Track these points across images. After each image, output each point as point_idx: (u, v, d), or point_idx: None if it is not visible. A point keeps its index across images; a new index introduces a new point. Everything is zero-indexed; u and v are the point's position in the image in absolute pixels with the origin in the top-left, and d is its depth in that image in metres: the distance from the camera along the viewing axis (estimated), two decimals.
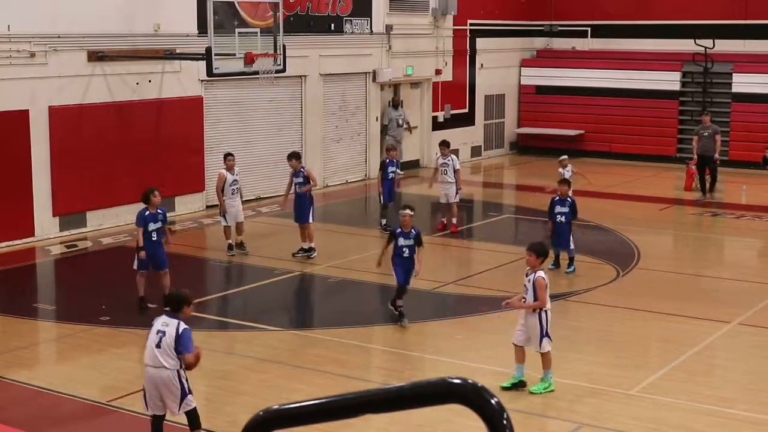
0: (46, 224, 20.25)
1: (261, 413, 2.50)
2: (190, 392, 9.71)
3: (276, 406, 2.51)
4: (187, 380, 9.71)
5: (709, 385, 12.39)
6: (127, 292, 16.56)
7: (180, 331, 9.46)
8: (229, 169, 18.79)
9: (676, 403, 11.62)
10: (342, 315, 15.67)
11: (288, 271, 17.99)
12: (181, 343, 9.46)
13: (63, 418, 11.49)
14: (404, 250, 14.45)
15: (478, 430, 2.36)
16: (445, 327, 14.90)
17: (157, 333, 9.55)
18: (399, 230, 14.52)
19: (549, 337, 11.96)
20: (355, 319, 15.27)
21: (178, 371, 9.55)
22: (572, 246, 17.69)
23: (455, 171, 21.04)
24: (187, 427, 10.11)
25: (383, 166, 21.25)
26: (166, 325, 9.56)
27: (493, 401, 2.32)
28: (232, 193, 18.75)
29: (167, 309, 9.86)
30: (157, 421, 9.86)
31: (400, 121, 28.74)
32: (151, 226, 15.14)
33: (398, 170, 21.29)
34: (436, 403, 2.37)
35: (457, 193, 21.04)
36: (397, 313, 14.63)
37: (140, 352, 13.37)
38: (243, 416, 10.70)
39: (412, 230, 14.53)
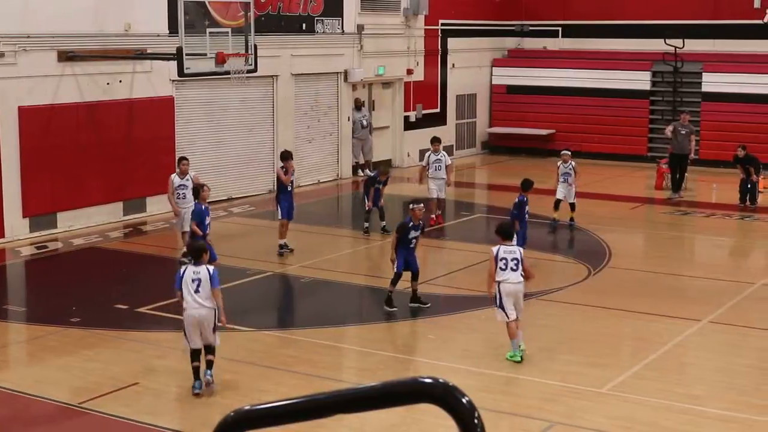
0: (16, 225, 20.09)
1: (232, 414, 2.49)
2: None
3: (247, 407, 2.50)
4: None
5: (680, 382, 12.47)
6: (97, 294, 16.50)
7: (211, 272, 11.38)
8: (182, 173, 18.29)
9: (648, 401, 11.69)
10: (314, 315, 15.66)
11: (260, 271, 17.95)
12: (215, 280, 11.32)
13: (33, 420, 11.42)
14: (413, 240, 15.20)
15: (449, 429, 2.37)
16: (418, 326, 14.92)
17: (193, 281, 11.29)
18: (411, 224, 15.13)
19: (501, 309, 12.72)
20: (327, 319, 15.26)
21: (215, 310, 11.42)
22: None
23: (447, 166, 21.31)
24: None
25: (372, 181, 21.00)
26: (198, 273, 11.33)
27: (464, 400, 2.32)
28: (178, 197, 18.22)
29: (190, 259, 11.94)
30: (197, 354, 11.59)
31: (364, 122, 28.69)
32: (207, 219, 16.38)
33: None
34: (408, 402, 2.37)
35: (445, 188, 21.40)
36: (419, 302, 15.33)
37: (111, 354, 13.40)
38: (215, 417, 10.71)
39: (420, 222, 15.30)
